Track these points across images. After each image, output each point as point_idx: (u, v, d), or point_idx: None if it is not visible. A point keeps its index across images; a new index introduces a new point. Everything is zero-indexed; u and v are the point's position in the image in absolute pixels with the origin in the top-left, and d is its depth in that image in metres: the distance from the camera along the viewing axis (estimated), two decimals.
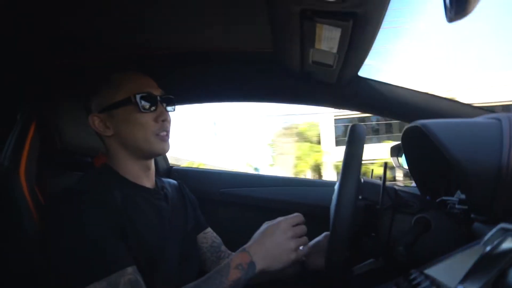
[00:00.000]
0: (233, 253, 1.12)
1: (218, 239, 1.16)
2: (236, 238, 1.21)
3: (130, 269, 0.74)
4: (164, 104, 0.94)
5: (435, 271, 0.59)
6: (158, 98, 0.92)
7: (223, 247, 1.15)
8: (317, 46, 0.90)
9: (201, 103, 1.46)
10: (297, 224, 0.86)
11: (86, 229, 0.74)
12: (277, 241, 0.82)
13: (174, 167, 1.65)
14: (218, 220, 1.23)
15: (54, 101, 1.02)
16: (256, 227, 1.22)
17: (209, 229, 1.16)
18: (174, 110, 1.00)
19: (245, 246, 0.83)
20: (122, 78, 0.92)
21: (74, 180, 0.91)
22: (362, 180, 0.87)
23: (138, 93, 0.88)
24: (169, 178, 1.17)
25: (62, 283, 0.72)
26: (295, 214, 0.87)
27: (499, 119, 0.71)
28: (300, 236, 0.85)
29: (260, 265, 0.79)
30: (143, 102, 0.88)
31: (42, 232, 0.82)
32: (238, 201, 1.49)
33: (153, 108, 0.90)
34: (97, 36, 1.00)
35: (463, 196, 0.75)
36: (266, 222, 0.90)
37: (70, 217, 0.75)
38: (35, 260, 0.84)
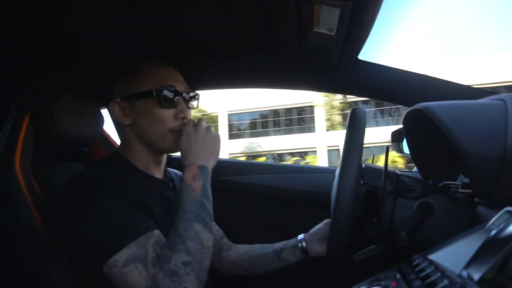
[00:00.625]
0: (234, 245, 1.14)
1: (220, 232, 1.16)
2: (235, 225, 1.21)
3: (157, 232, 0.77)
4: (188, 100, 0.92)
5: (439, 256, 0.58)
6: (183, 94, 0.91)
7: (225, 240, 1.16)
8: (315, 28, 0.87)
9: (198, 91, 1.44)
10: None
11: (109, 203, 0.75)
12: (204, 141, 0.86)
13: (172, 156, 1.64)
14: (217, 208, 1.22)
15: (48, 91, 1.00)
16: (255, 214, 1.22)
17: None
18: (197, 107, 0.98)
19: (185, 163, 0.85)
20: (148, 68, 0.90)
21: (71, 170, 0.90)
22: (363, 165, 0.86)
23: (162, 88, 0.87)
24: (169, 167, 1.16)
25: (94, 257, 0.73)
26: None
27: (503, 100, 0.69)
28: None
29: (205, 163, 0.85)
30: (165, 98, 0.87)
31: (55, 219, 0.82)
32: (238, 189, 1.48)
33: (174, 104, 0.89)
34: (95, 26, 0.97)
35: (466, 180, 0.74)
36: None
37: (92, 197, 0.76)
38: (34, 251, 0.83)
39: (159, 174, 0.97)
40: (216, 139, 0.89)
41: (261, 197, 1.45)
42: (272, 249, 1.08)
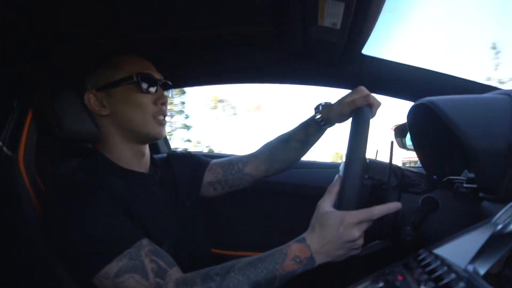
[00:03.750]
0: (250, 155, 1.12)
1: (223, 160, 1.14)
2: (239, 221, 1.21)
3: (145, 241, 0.74)
4: (163, 89, 0.93)
5: (445, 250, 0.58)
6: (159, 81, 0.91)
7: (235, 159, 1.13)
8: (319, 22, 0.87)
9: (201, 86, 1.44)
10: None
11: (96, 213, 0.73)
12: (343, 240, 0.69)
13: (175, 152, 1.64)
14: (220, 204, 1.23)
15: (51, 87, 1.00)
16: (259, 211, 1.23)
17: (211, 163, 1.14)
18: (171, 96, 0.98)
19: (304, 236, 0.73)
20: (123, 59, 0.91)
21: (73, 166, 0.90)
22: (368, 160, 0.86)
23: (140, 73, 0.87)
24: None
25: (83, 268, 0.72)
26: (365, 210, 0.71)
27: (509, 95, 0.69)
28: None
29: (320, 260, 0.71)
30: (144, 83, 0.87)
31: (48, 224, 0.80)
32: None
33: (153, 90, 0.89)
34: (95, 21, 0.97)
35: (471, 175, 0.74)
36: (322, 202, 0.75)
37: (79, 204, 0.74)
38: (37, 248, 0.84)
39: (143, 168, 0.95)
40: (351, 251, 0.72)
41: (264, 192, 1.46)
42: (294, 139, 1.06)
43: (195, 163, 1.13)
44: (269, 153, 1.10)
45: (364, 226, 0.71)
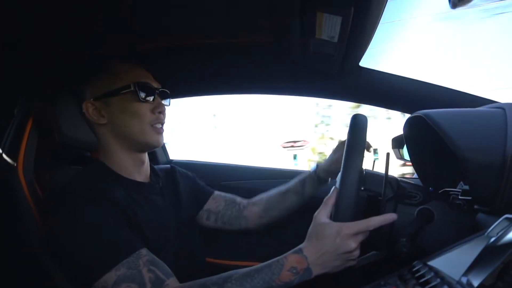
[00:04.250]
0: (250, 200, 1.17)
1: (228, 196, 1.18)
2: (235, 230, 1.20)
3: (144, 251, 0.74)
4: (161, 97, 0.94)
5: (439, 262, 0.58)
6: (157, 90, 0.92)
7: (238, 199, 1.18)
8: (317, 35, 0.88)
9: (199, 96, 1.45)
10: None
11: (95, 223, 0.74)
12: (338, 251, 0.70)
13: (174, 160, 1.65)
14: None
15: (52, 95, 1.00)
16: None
17: (217, 193, 1.18)
18: (169, 104, 0.99)
19: (301, 247, 0.74)
20: (120, 67, 0.91)
21: (73, 174, 0.90)
22: (364, 171, 0.86)
23: (138, 82, 0.88)
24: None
25: (81, 276, 0.72)
26: (362, 221, 0.71)
27: (503, 108, 0.70)
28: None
29: (316, 272, 0.71)
30: (141, 92, 0.88)
31: (46, 232, 0.81)
32: (239, 194, 1.48)
33: (151, 98, 0.90)
34: (94, 30, 0.99)
35: (466, 187, 0.75)
36: (319, 214, 0.76)
37: (78, 212, 0.74)
38: (36, 254, 0.83)
39: (143, 177, 0.96)
40: (348, 262, 0.73)
41: None
42: (291, 192, 1.14)
43: (198, 187, 1.16)
44: (266, 201, 1.15)
45: (361, 238, 0.71)
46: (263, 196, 1.17)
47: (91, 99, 0.89)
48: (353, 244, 0.70)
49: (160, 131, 0.92)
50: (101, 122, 0.90)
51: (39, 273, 0.83)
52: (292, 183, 1.14)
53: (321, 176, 1.10)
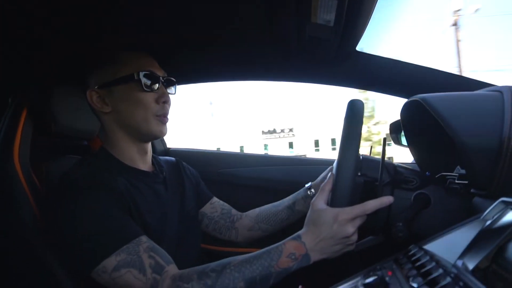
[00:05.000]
0: (244, 213, 1.17)
1: (226, 205, 1.18)
2: None
3: (144, 238, 0.75)
4: (166, 86, 0.93)
5: (435, 246, 0.59)
6: (161, 79, 0.91)
7: (234, 211, 1.18)
8: (313, 20, 0.87)
9: (195, 83, 1.44)
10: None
11: (96, 209, 0.74)
12: (338, 236, 0.71)
13: (171, 148, 1.65)
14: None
15: (47, 84, 0.99)
16: (253, 206, 1.23)
17: (215, 199, 1.18)
18: (174, 93, 0.98)
19: (300, 233, 0.75)
20: (125, 56, 0.90)
21: (71, 163, 0.90)
22: (361, 156, 0.86)
23: (142, 71, 0.87)
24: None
25: (81, 262, 0.73)
26: (358, 205, 0.72)
27: (500, 91, 0.69)
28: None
29: (315, 257, 0.73)
30: (146, 81, 0.87)
31: (46, 219, 0.82)
32: (236, 181, 1.49)
33: (155, 88, 0.89)
34: (94, 19, 0.97)
35: (463, 171, 0.75)
36: (316, 200, 0.77)
37: (78, 202, 0.74)
38: (33, 244, 0.84)
39: (146, 166, 0.96)
40: (346, 246, 0.74)
41: (259, 188, 1.46)
42: (284, 205, 1.11)
43: (201, 187, 1.16)
44: (258, 213, 1.14)
45: (358, 222, 0.72)
46: (256, 209, 1.16)
47: (95, 87, 0.89)
48: (350, 228, 0.71)
49: (164, 121, 0.92)
50: (105, 111, 0.89)
51: (35, 263, 0.84)
52: (287, 198, 1.13)
53: (313, 193, 1.07)
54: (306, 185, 1.09)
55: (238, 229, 1.13)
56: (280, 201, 1.13)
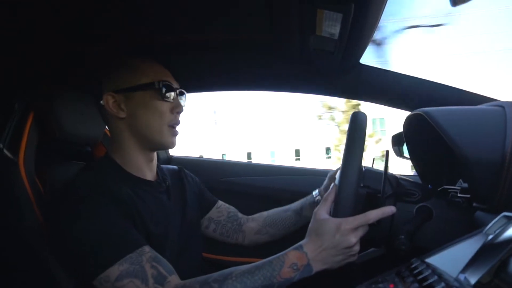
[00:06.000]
0: (250, 216, 1.17)
1: (232, 208, 1.18)
2: None
3: (147, 248, 0.75)
4: (179, 98, 0.95)
5: (437, 259, 0.59)
6: (177, 90, 0.93)
7: (240, 214, 1.18)
8: (317, 32, 0.88)
9: (200, 92, 1.45)
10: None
11: (100, 218, 0.74)
12: (338, 246, 0.71)
13: (174, 156, 1.65)
14: None
15: (52, 91, 1.01)
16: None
17: (220, 203, 1.18)
18: (185, 104, 0.99)
19: (302, 243, 0.74)
20: (143, 63, 0.92)
21: (74, 169, 0.91)
22: (363, 168, 0.87)
23: (161, 81, 0.89)
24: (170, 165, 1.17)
25: (84, 270, 0.73)
26: (360, 215, 0.72)
27: (502, 106, 0.70)
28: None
29: (317, 268, 0.72)
30: (164, 90, 0.89)
31: (50, 226, 0.82)
32: (239, 190, 1.49)
33: (171, 98, 0.91)
34: (97, 24, 0.98)
35: (465, 185, 0.75)
36: (318, 210, 0.77)
37: (83, 211, 0.75)
38: (37, 250, 0.84)
39: (151, 175, 0.96)
40: (348, 257, 0.73)
41: (261, 197, 1.46)
42: (292, 210, 1.11)
43: (204, 193, 1.16)
44: (266, 217, 1.15)
45: (360, 233, 0.72)
46: (264, 213, 1.17)
47: (112, 92, 0.89)
48: (353, 239, 0.70)
49: (175, 133, 0.93)
50: (120, 116, 0.89)
51: (37, 268, 0.84)
52: (293, 204, 1.13)
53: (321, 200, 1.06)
54: (314, 192, 1.10)
55: (245, 232, 1.13)
56: (288, 206, 1.13)
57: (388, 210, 0.72)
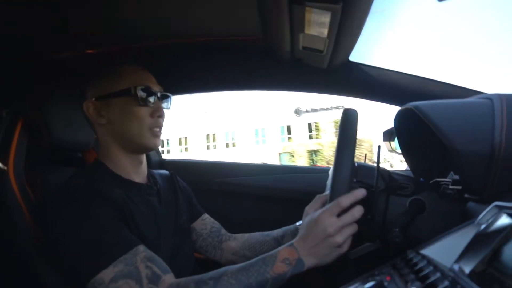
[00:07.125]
0: (233, 235, 1.15)
1: (216, 224, 1.17)
2: (232, 227, 1.21)
3: (141, 247, 0.75)
4: (161, 101, 0.94)
5: (431, 251, 0.60)
6: (158, 94, 0.93)
7: (223, 231, 1.17)
8: (306, 31, 0.89)
9: (190, 93, 1.45)
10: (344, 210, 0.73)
11: (93, 221, 0.74)
12: (321, 237, 0.72)
13: (167, 159, 1.65)
14: (214, 210, 1.23)
15: (41, 98, 1.00)
16: (252, 216, 1.23)
17: (206, 215, 1.17)
18: (169, 107, 1.00)
19: (293, 240, 0.76)
20: (123, 69, 0.92)
21: (66, 175, 0.90)
22: (356, 164, 0.87)
23: (139, 86, 0.89)
24: (163, 169, 1.16)
25: (78, 273, 0.72)
26: (335, 201, 0.73)
27: (490, 99, 0.71)
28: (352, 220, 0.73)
29: (308, 262, 0.73)
30: (142, 96, 0.89)
31: (43, 231, 0.81)
32: (234, 190, 1.49)
33: (150, 103, 0.91)
34: (85, 30, 0.98)
35: (456, 177, 0.76)
36: (308, 207, 0.83)
37: (75, 214, 0.74)
38: (28, 258, 0.83)
39: (140, 178, 0.96)
40: (334, 247, 0.73)
41: (256, 197, 1.47)
42: (272, 236, 1.09)
43: (193, 202, 1.15)
44: (246, 239, 1.13)
45: (336, 221, 0.72)
46: (245, 234, 1.15)
47: (93, 99, 0.90)
48: (329, 228, 0.71)
49: (157, 134, 0.93)
50: (100, 122, 0.90)
51: (28, 274, 0.83)
52: (276, 230, 1.11)
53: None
54: (298, 223, 1.07)
55: (224, 250, 1.12)
56: (270, 232, 1.11)
57: (359, 193, 0.74)
